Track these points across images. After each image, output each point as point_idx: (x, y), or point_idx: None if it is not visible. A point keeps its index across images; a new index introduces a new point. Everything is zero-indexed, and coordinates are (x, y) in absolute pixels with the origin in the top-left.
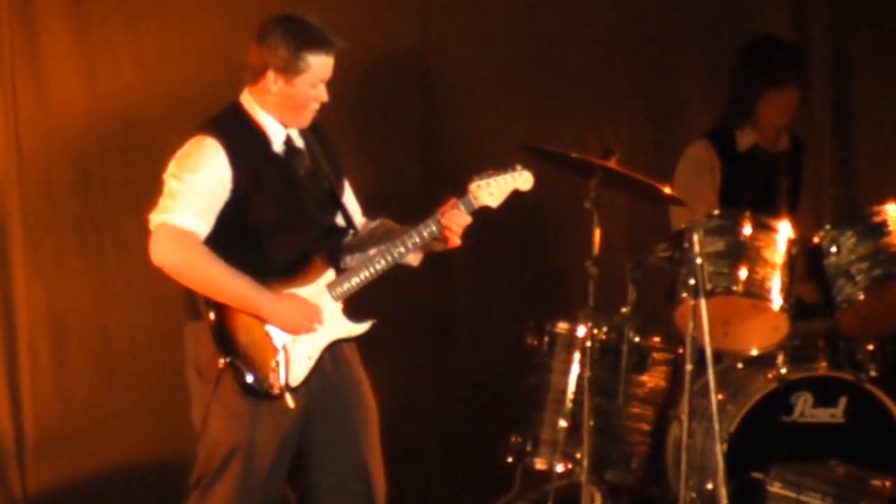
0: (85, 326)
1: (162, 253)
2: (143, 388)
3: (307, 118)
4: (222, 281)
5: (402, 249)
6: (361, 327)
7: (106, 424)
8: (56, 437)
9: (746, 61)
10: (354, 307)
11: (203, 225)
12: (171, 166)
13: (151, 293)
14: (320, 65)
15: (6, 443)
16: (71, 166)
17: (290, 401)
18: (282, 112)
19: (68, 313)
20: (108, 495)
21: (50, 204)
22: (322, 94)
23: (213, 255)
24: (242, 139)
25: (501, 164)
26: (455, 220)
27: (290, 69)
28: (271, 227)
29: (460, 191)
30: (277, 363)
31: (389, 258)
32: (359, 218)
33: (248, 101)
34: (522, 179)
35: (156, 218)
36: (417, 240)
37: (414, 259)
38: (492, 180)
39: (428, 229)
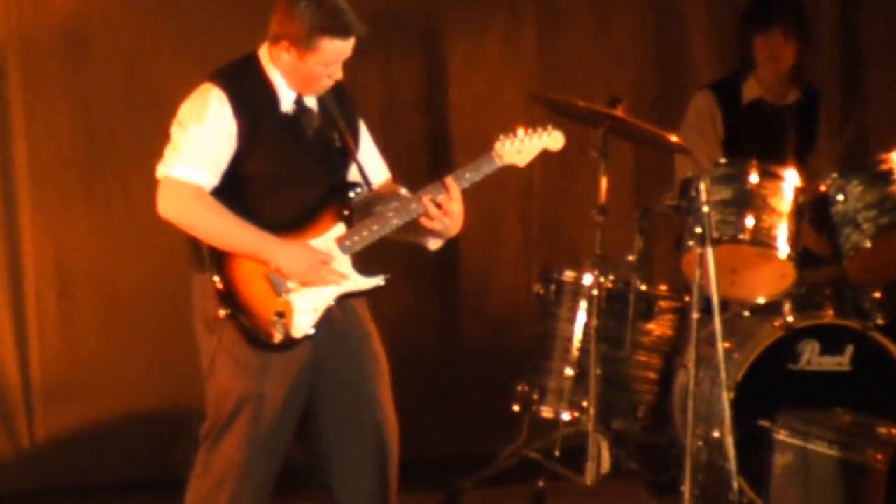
0: (91, 275)
1: (165, 206)
2: (148, 337)
3: (317, 91)
4: (228, 231)
5: (416, 206)
6: (371, 282)
7: (112, 372)
8: (63, 385)
9: (745, 10)
10: (365, 261)
11: (208, 176)
12: (178, 116)
13: (157, 241)
14: (332, 49)
15: (13, 391)
16: (76, 115)
17: (292, 351)
18: (291, 80)
19: (74, 261)
20: (114, 443)
21: (56, 153)
22: (335, 73)
23: (218, 205)
24: (250, 93)
25: (531, 125)
26: (441, 199)
27: (301, 46)
28: (270, 181)
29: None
30: (280, 314)
31: (404, 214)
32: (382, 176)
33: (265, 55)
34: (552, 139)
35: (160, 171)
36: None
37: (433, 244)
38: (520, 138)
39: (437, 192)
